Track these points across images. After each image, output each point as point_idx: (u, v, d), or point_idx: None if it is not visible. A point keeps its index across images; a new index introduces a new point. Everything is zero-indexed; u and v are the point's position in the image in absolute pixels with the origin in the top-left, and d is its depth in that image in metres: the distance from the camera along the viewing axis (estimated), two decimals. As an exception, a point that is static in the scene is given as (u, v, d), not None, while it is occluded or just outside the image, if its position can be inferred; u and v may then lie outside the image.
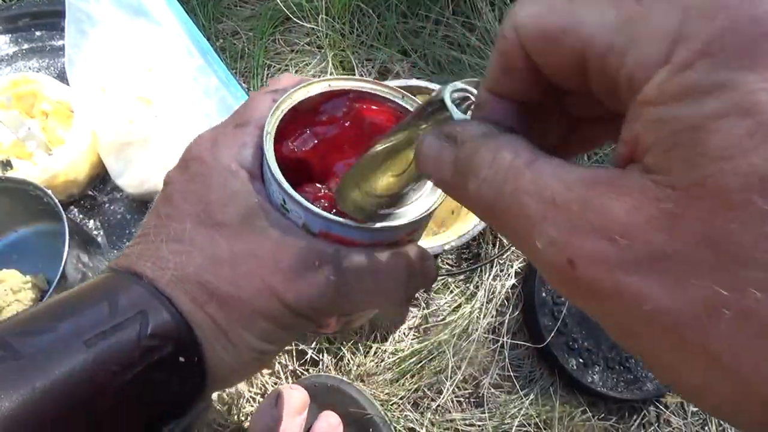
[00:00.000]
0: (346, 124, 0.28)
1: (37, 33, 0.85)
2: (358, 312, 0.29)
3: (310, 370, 0.72)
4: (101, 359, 0.23)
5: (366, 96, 0.29)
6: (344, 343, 0.73)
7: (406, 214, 0.27)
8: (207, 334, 0.26)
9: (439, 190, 0.27)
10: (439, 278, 0.77)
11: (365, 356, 0.72)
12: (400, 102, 0.29)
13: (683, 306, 0.13)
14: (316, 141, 0.28)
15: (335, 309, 0.27)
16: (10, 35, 0.84)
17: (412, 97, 0.29)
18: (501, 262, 0.78)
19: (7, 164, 0.72)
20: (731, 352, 0.13)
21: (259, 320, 0.26)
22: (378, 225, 0.26)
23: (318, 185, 0.27)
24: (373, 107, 0.29)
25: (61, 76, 0.78)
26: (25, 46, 0.84)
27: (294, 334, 0.28)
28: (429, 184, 0.28)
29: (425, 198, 0.28)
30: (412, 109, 0.29)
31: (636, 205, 0.14)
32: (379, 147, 0.23)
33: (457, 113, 0.19)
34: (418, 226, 0.28)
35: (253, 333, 0.26)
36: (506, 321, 0.75)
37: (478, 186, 0.18)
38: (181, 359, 0.25)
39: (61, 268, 0.59)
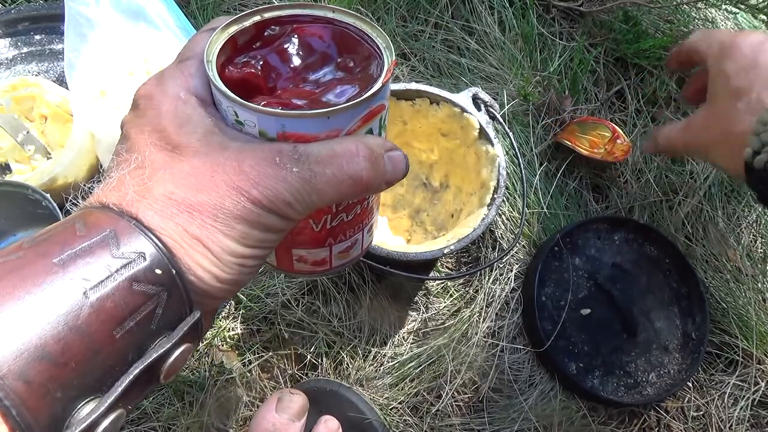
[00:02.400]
0: (283, 45, 0.30)
1: (37, 37, 0.85)
2: (329, 201, 0.28)
3: (309, 375, 0.72)
4: (71, 276, 0.23)
5: (299, 18, 0.31)
6: (343, 347, 0.73)
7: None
8: (181, 244, 0.26)
9: (383, 77, 0.28)
10: (438, 282, 0.77)
11: (364, 360, 0.72)
12: (331, 16, 0.31)
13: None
14: (255, 62, 0.29)
15: (306, 202, 0.27)
16: (9, 39, 0.84)
17: (344, 9, 0.31)
18: (500, 266, 0.78)
19: (6, 168, 0.72)
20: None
21: (231, 222, 0.26)
22: (330, 108, 0.27)
23: (266, 96, 0.28)
24: (306, 26, 0.31)
25: (60, 80, 0.78)
26: (24, 49, 0.84)
27: (275, 236, 0.28)
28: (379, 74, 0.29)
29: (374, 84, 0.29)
30: (342, 21, 0.31)
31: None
32: None
33: None
34: (368, 111, 0.28)
35: (228, 236, 0.26)
36: (506, 325, 0.75)
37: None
38: (158, 271, 0.25)
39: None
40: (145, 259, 0.25)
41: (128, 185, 0.26)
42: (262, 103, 0.27)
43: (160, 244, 0.25)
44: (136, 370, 0.24)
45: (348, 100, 0.28)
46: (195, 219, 0.26)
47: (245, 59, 0.30)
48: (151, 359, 0.24)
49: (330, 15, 0.31)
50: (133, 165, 0.27)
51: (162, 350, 0.25)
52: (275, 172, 0.26)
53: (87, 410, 0.22)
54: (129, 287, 0.24)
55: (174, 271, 0.25)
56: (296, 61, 0.30)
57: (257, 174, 0.26)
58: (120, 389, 0.23)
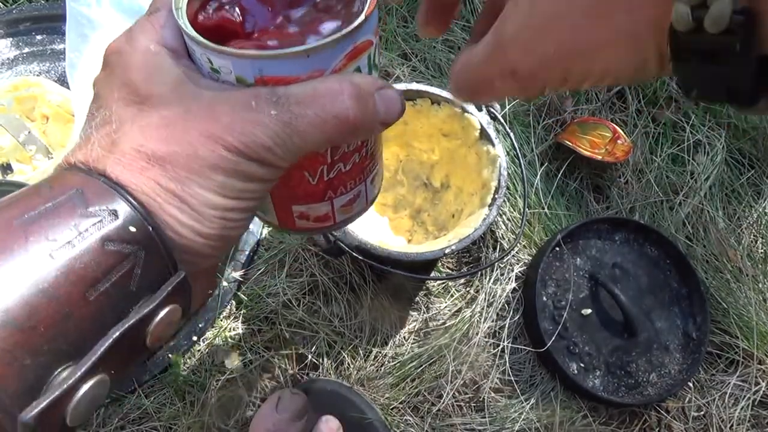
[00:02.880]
0: None
1: (38, 37, 0.85)
2: (314, 144, 0.26)
3: (310, 375, 0.72)
4: (34, 238, 0.21)
5: None
6: (344, 347, 0.73)
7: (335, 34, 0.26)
8: (154, 198, 0.24)
9: (366, 8, 0.27)
10: (439, 282, 0.77)
11: (365, 360, 0.72)
12: None
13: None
14: (229, 6, 0.28)
15: (287, 146, 0.25)
16: (10, 39, 0.84)
17: None
18: (501, 266, 0.78)
19: (7, 167, 0.72)
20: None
21: (207, 172, 0.24)
22: (309, 46, 0.25)
23: (243, 41, 0.27)
24: None
25: (62, 80, 0.78)
26: (26, 49, 0.84)
27: (258, 186, 0.26)
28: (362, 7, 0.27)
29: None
30: None
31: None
32: None
33: None
34: (353, 47, 0.27)
35: (205, 188, 0.24)
36: (507, 325, 0.75)
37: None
38: (132, 229, 0.23)
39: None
40: (116, 216, 0.23)
41: (94, 142, 0.25)
42: (237, 47, 0.25)
43: (132, 200, 0.23)
44: (116, 333, 0.22)
45: (328, 36, 0.26)
46: (167, 171, 0.24)
47: (217, 4, 0.28)
48: (131, 322, 0.23)
49: None
50: (100, 120, 0.25)
51: (144, 312, 0.23)
52: (251, 116, 0.24)
53: (64, 376, 0.21)
54: (101, 247, 0.22)
55: (150, 228, 0.24)
56: (273, 2, 0.28)
57: (231, 120, 0.24)
58: (99, 353, 0.22)
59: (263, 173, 0.25)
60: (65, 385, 0.20)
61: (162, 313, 0.24)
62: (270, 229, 0.79)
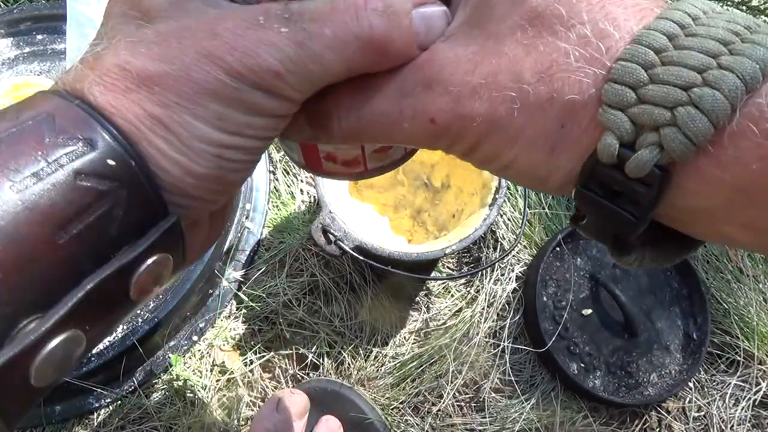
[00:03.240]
0: None
1: (39, 36, 0.85)
2: (334, 72, 0.22)
3: (311, 375, 0.72)
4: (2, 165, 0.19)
5: None
6: (345, 347, 0.73)
7: None
8: (138, 127, 0.20)
9: None
10: (439, 282, 0.77)
11: (366, 360, 0.72)
12: None
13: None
14: None
15: (301, 72, 0.21)
16: (11, 39, 0.84)
17: None
18: (502, 266, 0.78)
19: (8, 167, 0.72)
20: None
21: (202, 99, 0.21)
22: None
23: None
24: None
25: (62, 80, 0.78)
26: (27, 49, 0.84)
27: (265, 122, 0.22)
28: None
29: None
30: None
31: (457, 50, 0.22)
32: None
33: None
34: None
35: (199, 119, 0.21)
36: (507, 325, 0.75)
37: (337, 124, 0.23)
38: (111, 162, 0.20)
39: (62, 272, 0.58)
40: (92, 147, 0.20)
41: (79, 61, 0.21)
42: None
43: (111, 128, 0.20)
44: (91, 284, 0.20)
45: None
46: (155, 95, 0.20)
47: None
48: (109, 271, 0.20)
49: None
50: (94, 39, 0.22)
51: (125, 260, 0.20)
52: (258, 34, 0.21)
53: (29, 329, 0.18)
54: (72, 182, 0.19)
55: (133, 163, 0.20)
56: None
57: (234, 37, 0.21)
58: (70, 304, 0.19)
59: (272, 106, 0.22)
60: (28, 339, 0.18)
61: (148, 262, 0.21)
62: (270, 229, 0.79)
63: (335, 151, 0.29)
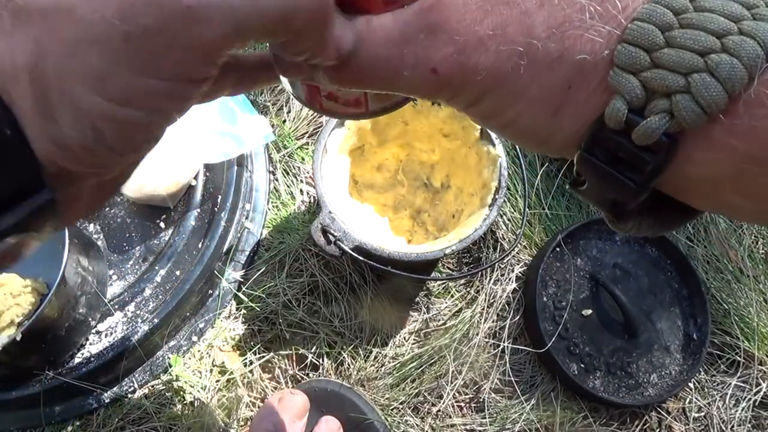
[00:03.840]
0: None
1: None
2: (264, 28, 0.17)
3: (311, 375, 0.72)
4: None
5: None
6: (344, 347, 0.73)
7: None
8: (6, 81, 0.16)
9: None
10: (439, 282, 0.77)
11: (365, 361, 0.72)
12: None
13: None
14: None
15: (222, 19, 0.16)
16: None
17: None
18: (502, 266, 0.78)
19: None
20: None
21: (83, 48, 0.15)
22: None
23: None
24: None
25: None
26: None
27: (181, 92, 0.17)
28: None
29: None
30: None
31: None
32: None
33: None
34: None
35: (74, 74, 0.16)
36: (507, 326, 0.75)
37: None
38: None
39: (61, 272, 0.58)
40: None
41: None
42: None
43: None
44: None
45: None
46: (29, 37, 0.16)
47: None
48: None
49: None
50: None
51: None
52: None
53: None
54: None
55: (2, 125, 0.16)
56: None
57: None
58: None
59: (181, 69, 0.16)
60: None
61: (8, 241, 0.18)
62: (270, 229, 0.79)
63: (337, 91, 0.28)
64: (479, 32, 0.19)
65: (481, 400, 0.72)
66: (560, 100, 0.20)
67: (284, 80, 0.29)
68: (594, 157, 0.20)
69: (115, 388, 0.69)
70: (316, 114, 0.85)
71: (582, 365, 0.72)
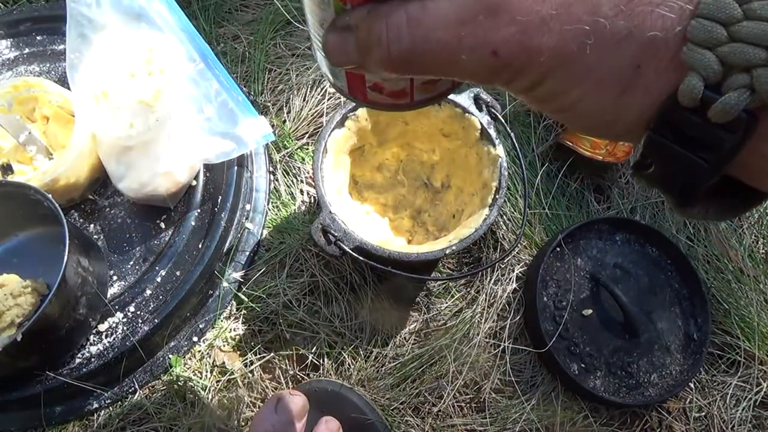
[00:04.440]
0: None
1: (38, 37, 0.85)
2: None
3: (311, 375, 0.72)
4: None
5: None
6: (345, 347, 0.72)
7: None
8: None
9: None
10: (439, 283, 0.77)
11: (366, 361, 0.72)
12: None
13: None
14: None
15: None
16: (11, 40, 0.84)
17: None
18: (502, 266, 0.78)
19: (8, 168, 0.72)
20: None
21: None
22: None
23: None
24: None
25: (62, 81, 0.78)
26: (26, 50, 0.84)
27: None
28: None
29: None
30: None
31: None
32: None
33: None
34: None
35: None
36: (507, 326, 0.75)
37: (387, 49, 0.21)
38: None
39: (61, 273, 0.58)
40: None
41: None
42: None
43: None
44: None
45: None
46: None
47: None
48: None
49: None
50: None
51: None
52: None
53: None
54: None
55: None
56: None
57: None
58: None
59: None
60: None
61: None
62: (270, 230, 0.79)
63: (383, 81, 0.27)
64: (542, 12, 0.19)
65: (482, 400, 0.72)
66: (628, 79, 0.19)
67: (325, 69, 0.28)
68: (664, 138, 0.19)
69: (115, 389, 0.69)
70: (316, 114, 0.85)
71: (582, 365, 0.72)
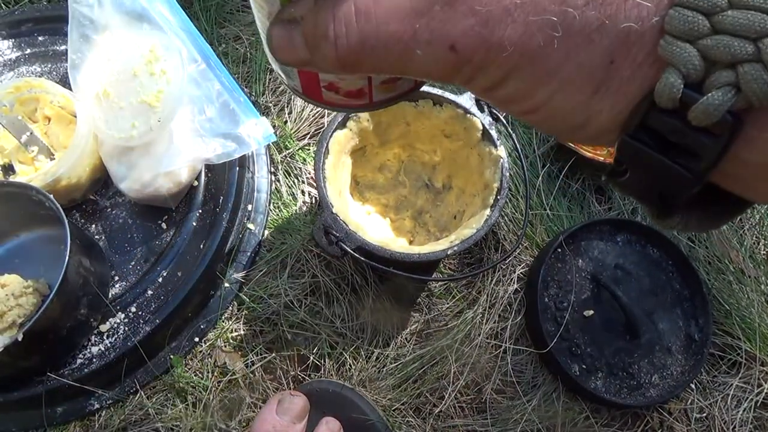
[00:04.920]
0: None
1: (40, 38, 0.85)
2: None
3: (312, 376, 0.72)
4: None
5: None
6: (346, 348, 0.72)
7: None
8: None
9: None
10: (441, 283, 0.77)
11: (367, 361, 0.72)
12: None
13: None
14: None
15: None
16: (12, 40, 0.84)
17: None
18: (503, 267, 0.78)
19: (10, 168, 0.72)
20: None
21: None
22: None
23: None
24: None
25: (64, 81, 0.78)
26: (28, 51, 0.84)
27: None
28: None
29: None
30: None
31: None
32: None
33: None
34: None
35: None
36: (508, 326, 0.75)
37: (334, 44, 0.18)
38: None
39: (63, 273, 0.58)
40: None
41: None
42: None
43: None
44: None
45: None
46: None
47: None
48: None
49: None
50: None
51: None
52: None
53: None
54: None
55: None
56: None
57: None
58: None
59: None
60: None
61: None
62: (271, 230, 0.79)
63: (338, 81, 0.25)
64: (504, 1, 0.17)
65: (483, 400, 0.72)
66: (601, 77, 0.17)
67: (277, 68, 0.26)
68: (640, 143, 0.17)
69: (116, 389, 0.69)
70: (317, 114, 0.85)
71: (583, 366, 0.72)
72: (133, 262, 0.73)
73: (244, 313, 0.74)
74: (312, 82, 0.26)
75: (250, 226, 0.77)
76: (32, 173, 0.69)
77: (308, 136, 0.85)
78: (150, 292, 0.70)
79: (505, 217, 0.80)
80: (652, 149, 0.17)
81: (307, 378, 0.72)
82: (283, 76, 0.27)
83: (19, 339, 0.57)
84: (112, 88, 0.68)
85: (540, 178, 0.81)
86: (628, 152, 0.18)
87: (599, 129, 0.18)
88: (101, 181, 0.76)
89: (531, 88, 0.18)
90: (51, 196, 0.63)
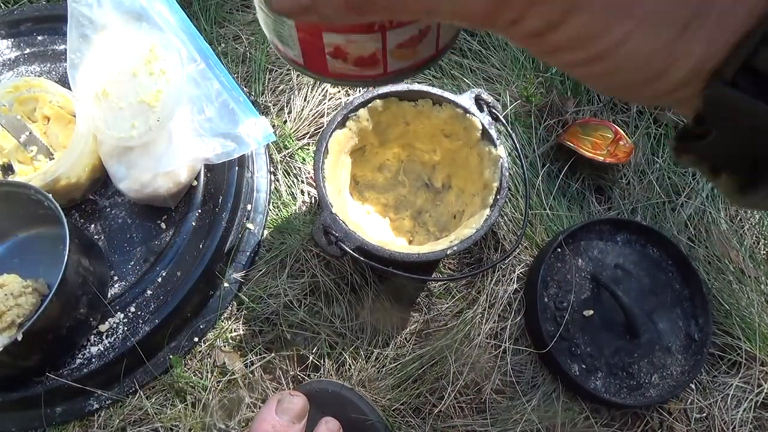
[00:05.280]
0: None
1: (39, 37, 0.85)
2: None
3: (311, 376, 0.72)
4: None
5: None
6: (345, 348, 0.72)
7: None
8: None
9: None
10: (440, 283, 0.77)
11: (366, 361, 0.72)
12: None
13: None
14: None
15: None
16: (11, 40, 0.84)
17: None
18: (503, 267, 0.78)
19: (9, 168, 0.72)
20: None
21: None
22: None
23: None
24: None
25: (63, 81, 0.78)
26: (27, 50, 0.84)
27: None
28: None
29: None
30: None
31: None
32: None
33: None
34: None
35: None
36: (508, 326, 0.75)
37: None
38: None
39: (62, 273, 0.58)
40: None
41: None
42: None
43: None
44: None
45: None
46: None
47: None
48: None
49: None
50: None
51: None
52: None
53: None
54: None
55: None
56: None
57: None
58: None
59: None
60: None
61: None
62: (271, 230, 0.79)
63: (346, 43, 0.21)
64: None
65: (483, 400, 0.72)
66: (692, 11, 0.13)
67: (274, 36, 0.23)
68: (742, 91, 0.13)
69: (116, 389, 0.69)
70: (317, 114, 0.85)
71: (583, 366, 0.72)
72: (132, 262, 0.73)
73: (243, 313, 0.74)
74: (315, 49, 0.22)
75: (250, 225, 0.77)
76: (31, 173, 0.69)
77: (308, 135, 0.84)
78: (149, 292, 0.70)
79: (505, 217, 0.80)
80: (758, 98, 0.13)
81: (306, 378, 0.72)
82: (279, 43, 0.23)
83: (19, 339, 0.57)
84: (111, 88, 0.68)
85: (540, 177, 0.81)
86: (721, 104, 0.14)
87: (681, 78, 0.14)
88: (100, 180, 0.76)
89: (601, 26, 0.13)
90: (50, 195, 0.63)
